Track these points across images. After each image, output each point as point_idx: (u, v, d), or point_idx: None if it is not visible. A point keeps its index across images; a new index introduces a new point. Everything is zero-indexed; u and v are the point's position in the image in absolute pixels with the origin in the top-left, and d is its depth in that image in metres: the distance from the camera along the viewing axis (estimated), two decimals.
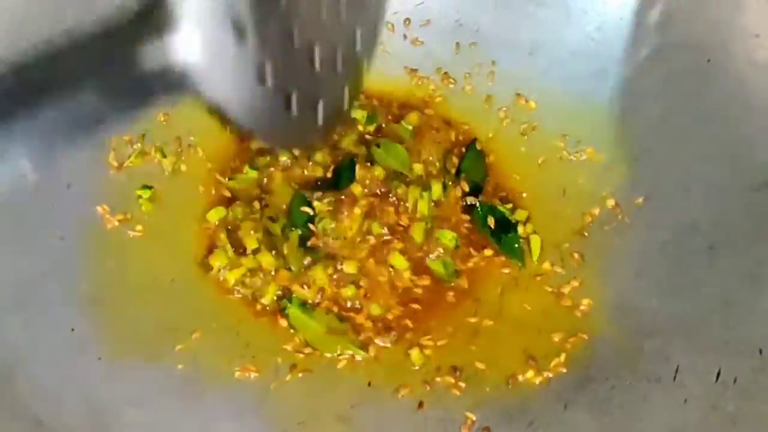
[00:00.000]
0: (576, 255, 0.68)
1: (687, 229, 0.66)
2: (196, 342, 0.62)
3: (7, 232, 0.60)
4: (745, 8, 0.68)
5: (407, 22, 0.79)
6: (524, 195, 0.72)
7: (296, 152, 0.71)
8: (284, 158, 0.71)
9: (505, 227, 0.69)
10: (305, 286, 0.65)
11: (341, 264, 0.66)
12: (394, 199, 0.69)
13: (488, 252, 0.69)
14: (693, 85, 0.70)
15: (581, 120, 0.74)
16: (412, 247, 0.68)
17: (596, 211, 0.70)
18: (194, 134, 0.72)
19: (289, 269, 0.66)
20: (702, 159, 0.68)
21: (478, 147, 0.74)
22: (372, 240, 0.67)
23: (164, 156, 0.71)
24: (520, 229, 0.70)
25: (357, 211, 0.67)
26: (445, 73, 0.78)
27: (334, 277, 0.66)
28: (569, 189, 0.72)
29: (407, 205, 0.68)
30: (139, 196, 0.68)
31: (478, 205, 0.70)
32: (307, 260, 0.66)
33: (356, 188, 0.68)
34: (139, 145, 0.70)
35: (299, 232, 0.67)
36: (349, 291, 0.66)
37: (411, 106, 0.77)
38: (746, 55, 0.68)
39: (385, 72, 0.78)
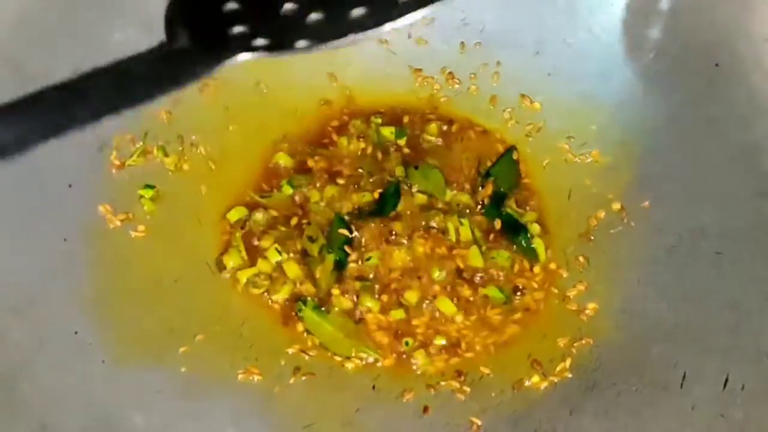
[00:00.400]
0: (581, 258, 0.68)
1: (694, 233, 0.65)
2: (199, 344, 0.62)
3: (9, 233, 0.59)
4: (754, 12, 0.68)
5: None
6: (529, 197, 0.72)
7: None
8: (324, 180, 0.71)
9: (515, 228, 0.69)
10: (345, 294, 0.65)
11: (401, 294, 0.66)
12: (437, 230, 0.69)
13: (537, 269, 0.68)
14: (700, 89, 0.69)
15: (587, 122, 0.74)
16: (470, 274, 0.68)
17: (602, 214, 0.69)
18: (196, 132, 0.72)
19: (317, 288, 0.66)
20: (709, 163, 0.68)
21: (515, 156, 0.73)
22: (434, 284, 0.67)
23: (166, 155, 0.70)
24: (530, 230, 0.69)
25: (420, 249, 0.67)
26: (450, 72, 0.78)
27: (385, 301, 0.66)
28: (575, 191, 0.72)
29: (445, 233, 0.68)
30: (141, 196, 0.67)
31: (483, 209, 0.70)
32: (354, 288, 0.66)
33: (397, 225, 0.68)
34: (141, 143, 0.69)
35: (335, 256, 0.66)
36: (398, 314, 0.65)
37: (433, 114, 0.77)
38: (754, 59, 0.68)
39: (389, 72, 0.78)
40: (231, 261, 0.66)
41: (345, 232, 0.67)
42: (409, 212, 0.69)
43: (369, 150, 0.73)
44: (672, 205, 0.68)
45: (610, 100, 0.74)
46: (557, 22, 0.76)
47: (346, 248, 0.67)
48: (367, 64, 0.78)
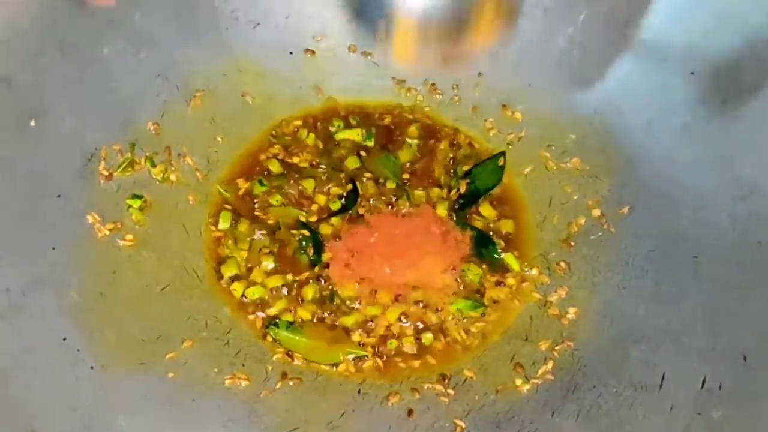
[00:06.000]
0: (563, 264, 0.69)
1: (672, 238, 0.67)
2: (186, 350, 0.62)
3: None
4: (729, 22, 0.69)
5: None
6: (510, 204, 0.73)
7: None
8: (290, 183, 0.73)
9: (484, 241, 0.70)
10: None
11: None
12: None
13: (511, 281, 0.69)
14: (677, 97, 0.71)
15: (567, 130, 0.76)
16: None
17: (582, 221, 0.71)
18: (184, 143, 0.73)
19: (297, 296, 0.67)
20: (686, 169, 0.69)
21: (500, 163, 0.74)
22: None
23: (154, 165, 0.71)
24: (500, 243, 0.70)
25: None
26: (432, 84, 0.79)
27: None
28: (555, 199, 0.73)
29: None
30: (129, 206, 0.68)
31: (454, 220, 0.71)
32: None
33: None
34: (129, 154, 0.70)
35: (307, 257, 0.68)
36: (373, 310, 0.67)
37: (405, 117, 0.78)
38: (728, 68, 0.69)
39: (373, 83, 0.79)
40: (228, 271, 0.67)
41: (305, 231, 0.69)
42: (371, 201, 0.72)
43: (332, 149, 0.75)
44: (650, 211, 0.69)
45: (589, 109, 0.75)
46: (536, 33, 0.77)
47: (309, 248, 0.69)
48: (351, 76, 0.79)
